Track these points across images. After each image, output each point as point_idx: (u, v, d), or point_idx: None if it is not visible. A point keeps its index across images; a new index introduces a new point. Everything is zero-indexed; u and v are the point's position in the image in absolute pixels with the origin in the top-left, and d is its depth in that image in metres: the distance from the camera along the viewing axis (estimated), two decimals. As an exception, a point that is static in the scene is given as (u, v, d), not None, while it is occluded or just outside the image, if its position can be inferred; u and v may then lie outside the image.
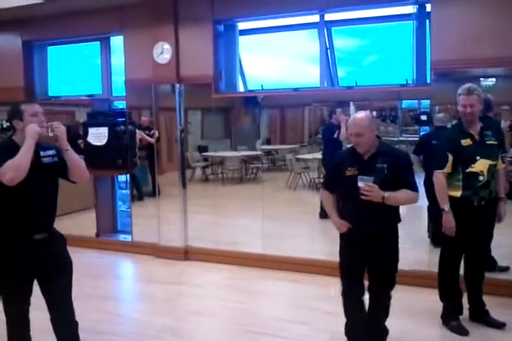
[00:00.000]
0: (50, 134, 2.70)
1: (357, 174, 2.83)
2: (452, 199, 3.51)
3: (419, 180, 5.39)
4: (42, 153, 2.74)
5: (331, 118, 5.83)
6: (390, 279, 3.06)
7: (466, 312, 3.76)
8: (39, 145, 2.74)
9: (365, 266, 3.05)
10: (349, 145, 3.09)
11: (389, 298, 3.09)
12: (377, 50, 5.63)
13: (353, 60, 5.74)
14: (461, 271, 3.74)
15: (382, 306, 3.10)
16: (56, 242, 2.83)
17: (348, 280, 3.10)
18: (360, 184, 2.76)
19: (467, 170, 3.48)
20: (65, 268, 2.85)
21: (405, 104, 6.39)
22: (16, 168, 2.53)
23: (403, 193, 2.86)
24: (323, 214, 5.45)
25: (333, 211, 3.07)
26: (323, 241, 5.32)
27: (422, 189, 5.19)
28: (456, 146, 3.49)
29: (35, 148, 2.69)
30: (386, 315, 3.13)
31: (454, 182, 3.54)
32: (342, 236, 3.08)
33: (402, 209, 5.32)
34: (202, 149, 6.67)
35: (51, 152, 2.78)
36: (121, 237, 6.26)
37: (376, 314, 3.14)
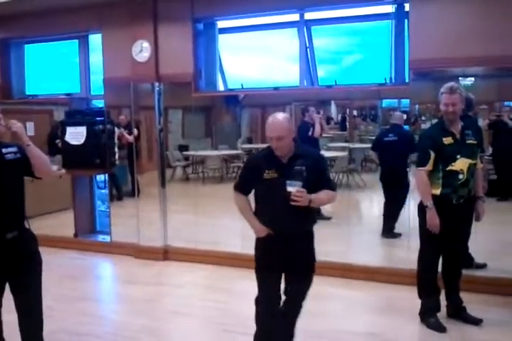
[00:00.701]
0: (13, 129, 2.67)
1: (276, 177, 2.77)
2: (432, 197, 3.54)
3: (375, 176, 5.53)
4: (4, 150, 2.71)
5: (304, 116, 5.87)
6: (309, 280, 2.99)
7: (443, 309, 3.79)
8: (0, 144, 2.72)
9: (284, 270, 2.95)
10: (268, 146, 2.92)
11: (304, 299, 3.01)
12: (357, 49, 5.65)
13: (333, 59, 5.75)
14: (439, 269, 3.76)
15: (297, 310, 3.03)
16: (27, 241, 2.80)
17: (266, 286, 2.96)
18: (291, 188, 2.67)
19: (447, 169, 3.51)
20: (35, 268, 2.83)
21: (385, 103, 6.43)
22: None
23: (325, 194, 2.84)
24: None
25: (251, 214, 2.94)
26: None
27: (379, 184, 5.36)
28: (437, 144, 3.52)
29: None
30: (297, 316, 3.05)
31: (434, 179, 3.57)
32: (259, 240, 2.96)
33: (380, 207, 5.41)
34: (182, 148, 6.65)
35: (13, 149, 2.75)
36: (100, 238, 6.19)
37: (289, 318, 3.05)
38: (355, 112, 6.94)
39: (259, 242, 2.97)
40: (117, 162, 6.01)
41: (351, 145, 6.26)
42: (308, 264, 2.97)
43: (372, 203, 6.54)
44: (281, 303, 3.03)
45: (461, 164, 3.50)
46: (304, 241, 2.93)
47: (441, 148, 3.52)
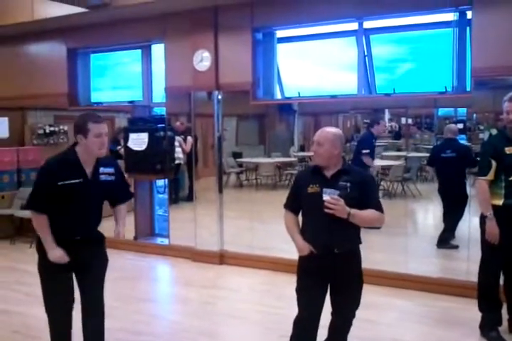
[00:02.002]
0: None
1: (318, 191, 2.73)
2: (494, 208, 3.48)
3: (430, 185, 5.44)
4: (101, 170, 2.89)
5: (372, 127, 5.74)
6: (356, 302, 2.92)
7: (505, 323, 3.70)
8: (99, 160, 2.89)
9: (328, 290, 2.90)
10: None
11: (354, 316, 2.97)
12: (415, 57, 5.60)
13: (391, 67, 5.72)
14: (501, 281, 3.69)
15: (347, 326, 3.00)
16: (96, 242, 3.02)
17: (307, 307, 2.88)
18: (325, 197, 2.66)
19: (510, 179, 3.45)
20: (99, 263, 3.03)
21: (441, 111, 6.34)
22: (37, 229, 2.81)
23: (369, 213, 2.75)
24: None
25: (296, 232, 2.89)
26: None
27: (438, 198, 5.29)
28: (499, 154, 3.47)
29: (95, 164, 2.87)
30: (348, 331, 3.03)
31: (496, 190, 3.51)
32: (302, 259, 2.90)
33: (435, 217, 5.32)
34: (236, 155, 6.76)
35: (110, 170, 2.94)
36: (159, 240, 6.38)
37: (340, 333, 3.04)
38: (410, 121, 6.87)
39: (302, 261, 2.91)
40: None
41: (407, 154, 6.20)
42: (353, 285, 2.89)
43: (427, 213, 6.44)
44: (330, 323, 3.01)
45: None
46: (347, 261, 2.83)
47: (504, 158, 3.46)
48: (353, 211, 2.68)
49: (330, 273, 2.83)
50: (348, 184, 2.72)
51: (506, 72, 4.44)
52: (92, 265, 2.97)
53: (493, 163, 3.49)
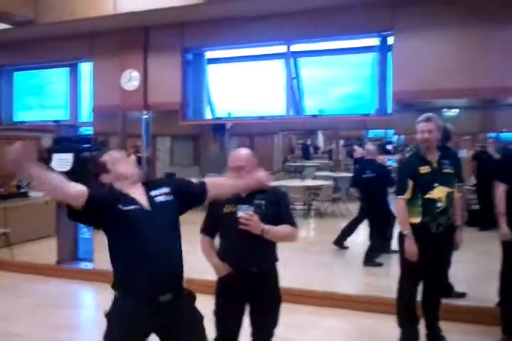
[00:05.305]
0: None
1: (234, 211, 2.73)
2: (412, 226, 3.57)
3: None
4: (153, 193, 2.40)
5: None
6: (274, 321, 2.89)
7: (423, 337, 3.76)
8: (147, 184, 2.44)
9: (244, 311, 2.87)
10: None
11: (272, 336, 2.92)
12: (344, 80, 5.77)
13: (321, 89, 5.86)
14: (419, 297, 3.76)
15: None
16: (183, 302, 2.39)
17: (225, 329, 2.84)
18: (240, 213, 2.68)
19: (425, 197, 3.56)
20: (193, 326, 2.42)
21: (372, 133, 6.55)
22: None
23: (283, 228, 2.77)
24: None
25: (213, 255, 2.86)
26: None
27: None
28: (414, 173, 3.59)
29: (145, 189, 2.40)
30: None
31: (415, 208, 3.60)
32: (220, 280, 2.86)
33: (364, 235, 5.44)
34: (170, 176, 6.67)
35: (165, 189, 2.43)
36: (83, 265, 6.09)
37: None
38: (341, 142, 7.06)
39: (220, 282, 2.86)
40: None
41: (335, 175, 6.35)
42: (271, 304, 2.87)
43: (356, 232, 6.56)
44: None
45: (439, 192, 3.55)
46: (264, 280, 2.82)
47: (418, 177, 3.58)
48: (267, 227, 2.69)
49: (248, 293, 2.81)
50: (263, 202, 2.76)
51: (425, 96, 4.64)
52: (183, 329, 2.35)
53: (410, 182, 3.60)
